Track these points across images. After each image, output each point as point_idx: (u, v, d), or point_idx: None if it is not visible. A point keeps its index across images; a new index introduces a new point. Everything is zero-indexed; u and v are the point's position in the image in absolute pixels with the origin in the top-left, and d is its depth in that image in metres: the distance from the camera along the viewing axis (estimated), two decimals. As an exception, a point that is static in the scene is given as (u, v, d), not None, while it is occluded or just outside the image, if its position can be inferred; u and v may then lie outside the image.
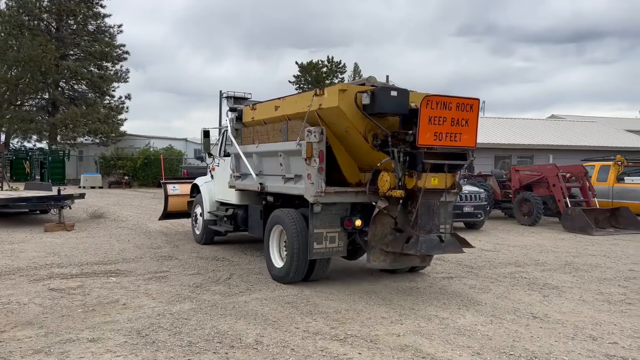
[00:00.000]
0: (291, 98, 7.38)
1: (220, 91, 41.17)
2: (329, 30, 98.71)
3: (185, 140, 48.42)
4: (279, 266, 7.32)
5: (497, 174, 17.68)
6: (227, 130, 9.33)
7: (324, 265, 7.15)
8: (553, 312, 6.12)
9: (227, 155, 9.59)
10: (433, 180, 6.18)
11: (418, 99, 6.14)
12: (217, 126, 10.48)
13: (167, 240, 11.20)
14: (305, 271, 7.00)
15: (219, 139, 10.33)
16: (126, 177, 32.47)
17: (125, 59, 37.58)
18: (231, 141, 8.72)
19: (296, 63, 49.98)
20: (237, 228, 9.35)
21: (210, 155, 10.45)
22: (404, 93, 6.30)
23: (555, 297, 6.80)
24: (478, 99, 6.26)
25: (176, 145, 39.61)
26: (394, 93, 6.19)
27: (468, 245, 6.71)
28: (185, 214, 11.81)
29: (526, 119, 34.73)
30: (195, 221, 10.80)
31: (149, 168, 33.09)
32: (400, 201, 6.34)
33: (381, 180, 6.34)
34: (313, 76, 48.64)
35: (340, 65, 50.01)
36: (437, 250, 6.36)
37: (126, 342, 4.87)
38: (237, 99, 9.27)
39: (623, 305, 6.50)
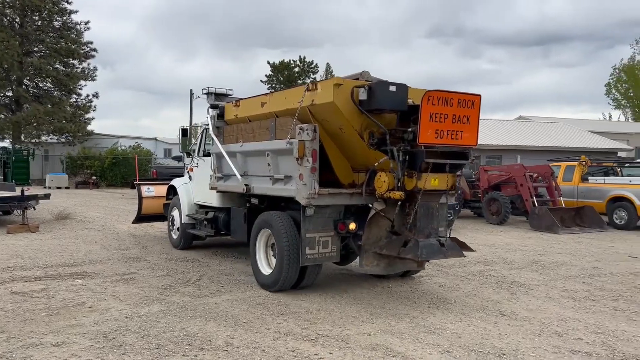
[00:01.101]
0: (279, 94, 6.99)
1: (191, 90, 40.74)
2: (301, 31, 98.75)
3: (155, 139, 47.65)
4: (267, 273, 6.87)
5: (466, 174, 17.94)
6: (207, 129, 8.98)
7: (315, 271, 6.74)
8: (520, 309, 6.23)
9: (207, 155, 9.12)
10: (433, 181, 5.86)
11: (415, 94, 5.95)
12: (193, 124, 9.77)
13: (136, 241, 10.99)
14: (296, 278, 6.58)
15: (198, 138, 9.76)
16: (94, 177, 31.76)
17: (92, 56, 36.71)
18: (212, 140, 8.26)
19: (268, 63, 49.82)
20: (219, 232, 8.83)
21: (189, 155, 9.89)
22: (402, 88, 5.94)
23: (522, 295, 6.92)
24: (480, 95, 5.92)
25: (145, 144, 38.98)
26: (392, 88, 5.83)
27: (469, 249, 6.42)
28: (161, 217, 11.22)
29: (495, 119, 35.40)
30: (172, 225, 10.21)
31: (117, 168, 32.46)
32: (399, 203, 6.02)
33: (378, 181, 5.99)
34: (285, 76, 48.53)
35: (313, 66, 50.03)
36: (438, 256, 6.05)
37: (92, 345, 4.75)
38: (218, 96, 8.79)
39: (587, 301, 6.67)
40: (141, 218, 11.45)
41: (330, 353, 4.68)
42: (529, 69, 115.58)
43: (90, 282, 7.18)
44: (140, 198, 11.22)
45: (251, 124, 7.39)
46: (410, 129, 5.85)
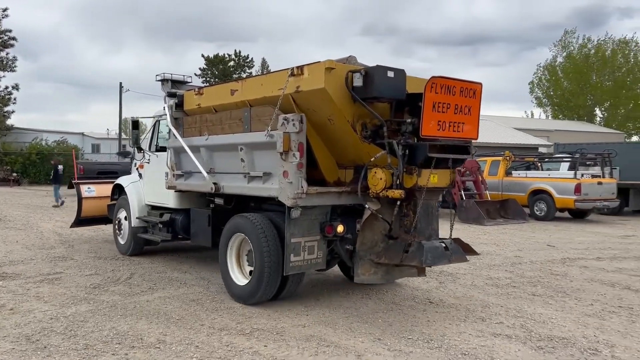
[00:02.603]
0: (254, 80, 6.24)
1: (120, 83, 39.26)
2: (237, 25, 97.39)
3: (82, 134, 45.50)
4: (242, 284, 6.07)
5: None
6: (160, 120, 8.23)
7: (297, 279, 6.04)
8: (448, 297, 6.52)
9: (160, 149, 8.23)
10: (433, 178, 5.29)
11: (409, 82, 5.43)
12: (142, 116, 8.88)
13: (61, 240, 10.51)
14: (276, 288, 5.87)
15: (149, 131, 8.71)
16: (15, 174, 29.98)
17: (11, 45, 34.55)
18: (170, 133, 7.41)
19: (202, 56, 48.83)
20: (176, 236, 7.91)
21: (140, 150, 8.71)
22: (400, 74, 5.32)
23: (450, 283, 7.24)
24: (481, 84, 5.45)
25: (72, 139, 37.19)
26: (390, 73, 5.21)
27: (473, 252, 5.86)
28: (104, 219, 10.11)
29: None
30: (119, 229, 9.11)
31: (41, 164, 30.80)
32: (398, 203, 5.38)
33: (374, 179, 5.34)
34: (220, 70, 47.81)
35: (248, 60, 49.57)
36: (444, 260, 5.41)
37: (14, 349, 4.52)
38: (175, 83, 7.94)
39: (509, 288, 7.07)
40: (81, 221, 10.26)
41: (265, 346, 4.71)
42: (459, 68, 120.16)
43: (10, 284, 6.81)
44: (80, 199, 10.03)
45: (219, 115, 6.57)
46: (409, 120, 5.24)
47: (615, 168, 17.52)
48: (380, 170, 5.29)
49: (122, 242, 9.04)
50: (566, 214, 17.05)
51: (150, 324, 5.24)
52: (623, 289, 7.10)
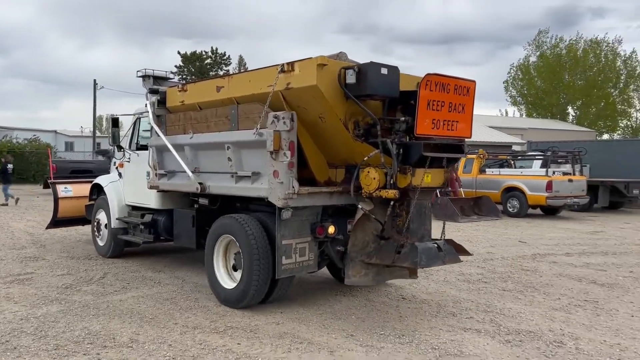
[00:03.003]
0: (242, 76, 6.07)
1: (94, 80, 38.66)
2: (214, 22, 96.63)
3: (55, 132, 44.70)
4: (230, 287, 5.87)
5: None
6: (141, 117, 8.00)
7: (287, 282, 5.85)
8: (420, 293, 6.63)
9: (141, 148, 8.01)
10: (427, 177, 5.20)
11: (400, 80, 5.31)
12: (122, 113, 8.48)
13: (33, 240, 10.35)
14: (266, 291, 5.68)
15: (129, 129, 8.40)
16: (-16, 173, 29.24)
17: (-19, 41, 33.73)
18: (152, 130, 7.16)
19: (179, 53, 48.38)
20: (158, 238, 7.65)
21: (120, 148, 8.39)
22: (394, 71, 5.20)
23: (422, 279, 7.35)
24: (475, 82, 5.40)
25: (44, 137, 36.51)
26: (384, 70, 5.08)
27: (466, 252, 5.81)
28: (81, 219, 9.80)
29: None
30: (98, 230, 8.83)
31: (13, 163, 30.08)
32: (392, 203, 5.28)
33: (367, 178, 5.21)
34: (197, 67, 47.43)
35: (225, 57, 49.30)
36: (437, 262, 5.32)
37: (-18, 350, 4.47)
38: (157, 79, 7.69)
39: (480, 284, 7.22)
40: (57, 222, 9.88)
41: (238, 343, 4.74)
42: (436, 67, 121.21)
43: (-20, 285, 6.70)
44: (56, 199, 9.66)
45: (204, 112, 6.37)
46: (402, 118, 5.15)
47: (585, 166, 17.95)
48: (373, 169, 5.18)
49: (101, 243, 8.79)
50: (538, 211, 17.41)
51: (123, 324, 5.22)
52: (589, 284, 7.31)
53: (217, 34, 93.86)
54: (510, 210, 16.40)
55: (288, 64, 5.25)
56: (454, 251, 5.52)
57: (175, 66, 48.00)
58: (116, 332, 4.96)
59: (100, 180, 8.98)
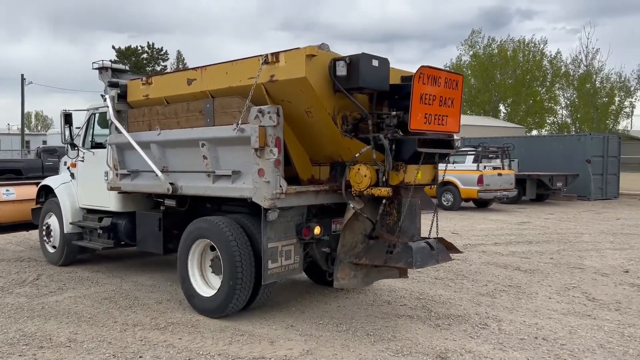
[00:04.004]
0: (217, 68, 5.59)
1: (22, 75, 36.80)
2: (149, 16, 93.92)
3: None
4: (208, 295, 5.49)
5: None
6: (96, 113, 7.51)
7: (271, 286, 5.52)
8: (358, 284, 6.90)
9: (96, 146, 7.55)
10: (418, 174, 5.02)
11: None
12: (74, 109, 7.76)
13: (-41, 243, 9.86)
14: (248, 298, 5.38)
15: (83, 125, 7.81)
16: None
17: None
18: (111, 127, 6.70)
19: (113, 48, 46.85)
20: (119, 243, 7.14)
21: (73, 147, 7.71)
22: (385, 63, 5.00)
23: (361, 271, 7.63)
24: (462, 75, 5.36)
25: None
26: (375, 62, 4.88)
27: (456, 250, 5.68)
28: (26, 225, 9.03)
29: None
30: (48, 236, 8.11)
31: None
32: (384, 201, 5.08)
33: (357, 176, 4.98)
34: (132, 62, 46.08)
35: (162, 53, 48.18)
36: (431, 261, 5.15)
37: None
38: (115, 72, 7.20)
39: (415, 273, 7.58)
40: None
41: (180, 338, 4.81)
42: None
43: None
44: None
45: (172, 107, 5.95)
46: (393, 113, 4.97)
47: (514, 160, 18.96)
48: (364, 166, 4.97)
49: (51, 250, 8.09)
50: (471, 204, 18.25)
51: (60, 324, 5.16)
52: (514, 270, 7.85)
53: (151, 29, 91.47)
54: (444, 203, 17.12)
55: (272, 54, 4.96)
56: (445, 249, 5.40)
57: (110, 61, 46.43)
58: (53, 333, 4.91)
59: (50, 181, 8.27)
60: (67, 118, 7.62)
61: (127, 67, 7.72)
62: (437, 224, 5.42)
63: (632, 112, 48.39)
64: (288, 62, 4.86)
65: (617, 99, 46.58)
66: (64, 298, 6.10)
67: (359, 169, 4.99)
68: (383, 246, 5.11)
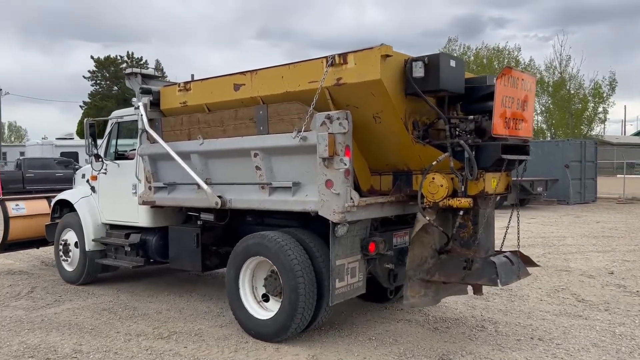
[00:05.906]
0: (271, 71, 5.17)
1: (-1, 85, 36.14)
2: (124, 25, 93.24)
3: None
4: (264, 317, 5.04)
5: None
6: (120, 122, 7.10)
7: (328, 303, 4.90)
8: (354, 290, 7.01)
9: (119, 157, 7.13)
10: (494, 182, 4.66)
11: None
12: (99, 118, 7.77)
13: (-56, 257, 9.68)
14: (310, 319, 4.91)
15: (105, 136, 7.32)
16: None
17: None
18: (141, 137, 6.26)
19: (92, 58, 46.43)
20: (149, 260, 6.66)
21: (97, 158, 6.99)
22: (461, 64, 4.74)
23: (355, 278, 7.74)
24: (536, 76, 5.10)
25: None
26: (452, 63, 4.60)
27: (534, 264, 5.30)
28: (38, 241, 8.42)
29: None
30: (66, 253, 7.47)
31: None
32: (461, 213, 4.62)
33: (431, 186, 4.55)
34: (112, 72, 45.80)
35: (142, 62, 47.84)
36: (514, 277, 4.79)
37: None
38: (146, 78, 6.65)
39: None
40: (9, 245, 8.27)
41: (185, 347, 4.85)
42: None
43: None
44: (7, 218, 8.12)
45: (217, 115, 5.51)
46: (471, 117, 4.61)
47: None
48: (439, 175, 4.55)
49: (69, 269, 7.44)
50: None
51: (63, 336, 5.16)
52: (503, 274, 8.04)
53: (127, 38, 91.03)
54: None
55: (339, 55, 4.64)
56: (524, 264, 5.06)
57: (89, 71, 46.12)
58: (57, 345, 4.91)
59: (68, 195, 7.69)
60: (92, 127, 7.28)
61: (156, 73, 7.28)
62: (518, 236, 5.16)
63: (606, 117, 49.61)
64: (358, 63, 4.55)
65: (590, 105, 47.71)
66: (62, 310, 6.08)
67: (433, 178, 4.58)
68: (458, 261, 4.69)
